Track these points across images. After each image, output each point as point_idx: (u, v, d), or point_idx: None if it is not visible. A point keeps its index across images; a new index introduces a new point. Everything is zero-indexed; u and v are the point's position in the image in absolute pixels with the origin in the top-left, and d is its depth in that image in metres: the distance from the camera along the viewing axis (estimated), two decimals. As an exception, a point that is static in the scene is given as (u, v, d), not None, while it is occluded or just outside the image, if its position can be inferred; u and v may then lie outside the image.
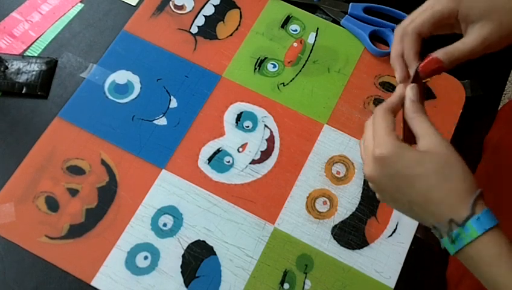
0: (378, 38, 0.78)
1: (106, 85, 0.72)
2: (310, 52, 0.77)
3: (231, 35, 0.77)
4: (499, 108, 0.76)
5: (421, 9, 0.52)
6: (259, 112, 0.72)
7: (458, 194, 0.43)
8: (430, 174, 0.44)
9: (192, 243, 0.64)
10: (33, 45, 0.74)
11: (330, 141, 0.70)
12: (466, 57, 0.51)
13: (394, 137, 0.46)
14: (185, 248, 0.63)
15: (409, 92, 0.50)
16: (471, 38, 0.50)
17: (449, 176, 0.44)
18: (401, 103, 0.51)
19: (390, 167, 0.45)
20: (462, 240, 0.42)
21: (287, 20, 0.79)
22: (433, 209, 0.44)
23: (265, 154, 0.69)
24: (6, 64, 0.71)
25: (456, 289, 0.63)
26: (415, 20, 0.52)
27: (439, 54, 0.51)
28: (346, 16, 0.79)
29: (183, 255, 0.63)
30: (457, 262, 0.58)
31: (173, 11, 0.78)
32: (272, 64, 0.75)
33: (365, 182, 0.68)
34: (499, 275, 0.42)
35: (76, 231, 0.63)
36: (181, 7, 0.79)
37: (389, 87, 0.74)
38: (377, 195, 0.50)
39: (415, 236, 0.65)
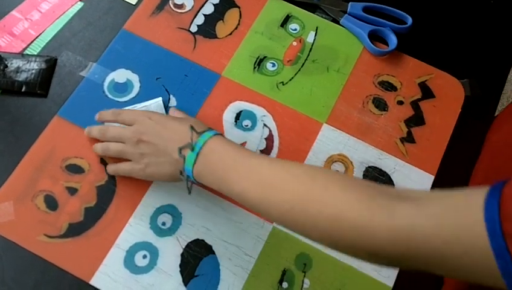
0: (378, 38, 0.78)
1: (106, 84, 0.72)
2: (309, 51, 0.77)
3: (230, 34, 0.77)
4: (498, 108, 0.76)
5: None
6: (258, 111, 0.72)
7: (196, 123, 0.61)
8: (177, 119, 0.62)
9: (191, 242, 0.64)
10: (33, 44, 0.74)
11: (329, 140, 0.71)
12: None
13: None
14: (183, 246, 0.63)
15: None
16: None
17: (190, 118, 0.66)
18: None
19: (153, 120, 0.62)
20: (199, 143, 0.57)
21: (286, 19, 0.79)
22: (183, 137, 0.58)
23: (265, 153, 0.69)
24: (6, 62, 0.71)
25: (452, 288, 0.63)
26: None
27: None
28: (346, 15, 0.79)
29: (182, 254, 0.63)
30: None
31: (173, 10, 0.78)
32: (271, 63, 0.75)
33: (364, 181, 0.68)
34: (226, 156, 0.56)
35: (75, 230, 0.63)
36: (181, 6, 0.79)
37: (388, 87, 0.75)
38: (138, 159, 0.62)
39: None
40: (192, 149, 0.57)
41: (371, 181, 0.55)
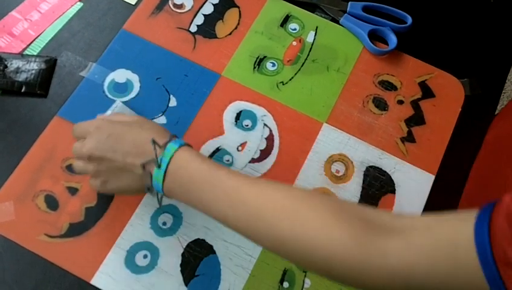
0: (378, 37, 0.78)
1: (105, 84, 0.72)
2: (309, 51, 0.77)
3: (230, 34, 0.77)
4: (498, 107, 0.76)
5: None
6: (258, 110, 0.72)
7: (157, 132, 0.55)
8: (133, 128, 0.56)
9: (191, 242, 0.64)
10: (32, 44, 0.74)
11: (329, 140, 0.71)
12: None
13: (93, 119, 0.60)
14: (184, 246, 0.63)
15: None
16: None
17: (146, 124, 0.57)
18: None
19: (103, 131, 0.55)
20: (165, 158, 0.52)
21: (286, 19, 0.79)
22: (143, 149, 0.53)
23: (265, 153, 0.69)
24: (6, 63, 0.71)
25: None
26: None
27: None
28: (345, 14, 0.79)
29: (182, 254, 0.63)
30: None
31: (172, 10, 0.78)
32: (271, 63, 0.75)
33: (364, 181, 0.68)
34: (198, 175, 0.52)
35: (75, 230, 0.63)
36: (180, 6, 0.79)
37: (388, 86, 0.75)
38: (94, 176, 0.57)
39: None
40: (159, 166, 0.52)
41: (359, 205, 0.55)
